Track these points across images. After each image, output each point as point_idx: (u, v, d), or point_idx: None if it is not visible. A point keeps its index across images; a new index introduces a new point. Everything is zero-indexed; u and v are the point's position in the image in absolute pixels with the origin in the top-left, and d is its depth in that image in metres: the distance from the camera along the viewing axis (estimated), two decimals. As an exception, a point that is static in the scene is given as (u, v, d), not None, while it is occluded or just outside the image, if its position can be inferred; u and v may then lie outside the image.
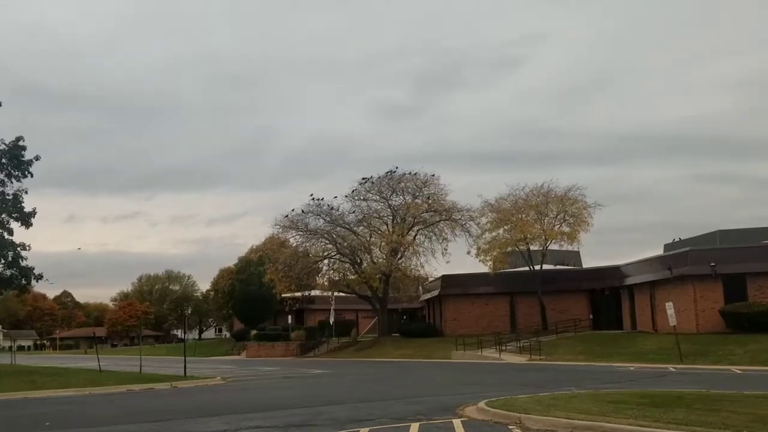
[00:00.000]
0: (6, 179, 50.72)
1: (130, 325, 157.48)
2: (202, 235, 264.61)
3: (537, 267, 72.83)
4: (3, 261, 50.29)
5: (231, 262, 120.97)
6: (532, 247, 73.14)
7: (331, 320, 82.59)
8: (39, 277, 51.29)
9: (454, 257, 79.47)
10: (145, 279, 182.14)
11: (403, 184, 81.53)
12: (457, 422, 18.69)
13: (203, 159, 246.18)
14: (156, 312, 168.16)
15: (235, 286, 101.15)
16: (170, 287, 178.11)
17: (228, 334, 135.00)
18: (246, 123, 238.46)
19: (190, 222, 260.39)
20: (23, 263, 50.71)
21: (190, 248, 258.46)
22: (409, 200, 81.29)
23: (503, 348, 61.44)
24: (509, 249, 72.94)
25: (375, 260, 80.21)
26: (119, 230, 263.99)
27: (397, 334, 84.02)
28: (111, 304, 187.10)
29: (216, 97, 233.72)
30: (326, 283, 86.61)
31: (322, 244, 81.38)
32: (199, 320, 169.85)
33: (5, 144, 50.15)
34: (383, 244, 79.57)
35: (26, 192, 50.55)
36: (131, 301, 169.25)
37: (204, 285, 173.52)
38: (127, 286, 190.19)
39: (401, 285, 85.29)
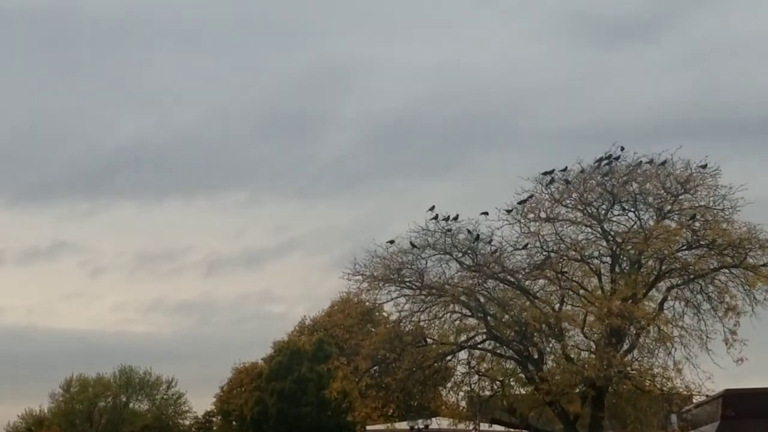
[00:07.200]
0: None
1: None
2: (194, 293, 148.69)
3: None
4: None
5: (258, 352, 73.71)
6: None
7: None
8: None
9: (752, 349, 38.92)
10: (77, 385, 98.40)
11: (634, 184, 40.82)
12: None
13: (180, 130, 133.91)
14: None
15: (266, 404, 58.69)
16: (130, 403, 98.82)
17: None
18: (283, 54, 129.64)
19: (167, 266, 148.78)
20: None
21: (170, 323, 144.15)
22: (651, 221, 40.57)
23: None
24: None
25: (571, 354, 39.72)
26: (29, 283, 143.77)
27: None
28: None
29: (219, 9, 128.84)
30: (462, 404, 45.07)
31: (457, 316, 40.84)
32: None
33: None
34: (590, 317, 39.16)
35: None
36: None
37: (201, 402, 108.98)
38: (41, 401, 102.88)
39: (631, 409, 41.73)
